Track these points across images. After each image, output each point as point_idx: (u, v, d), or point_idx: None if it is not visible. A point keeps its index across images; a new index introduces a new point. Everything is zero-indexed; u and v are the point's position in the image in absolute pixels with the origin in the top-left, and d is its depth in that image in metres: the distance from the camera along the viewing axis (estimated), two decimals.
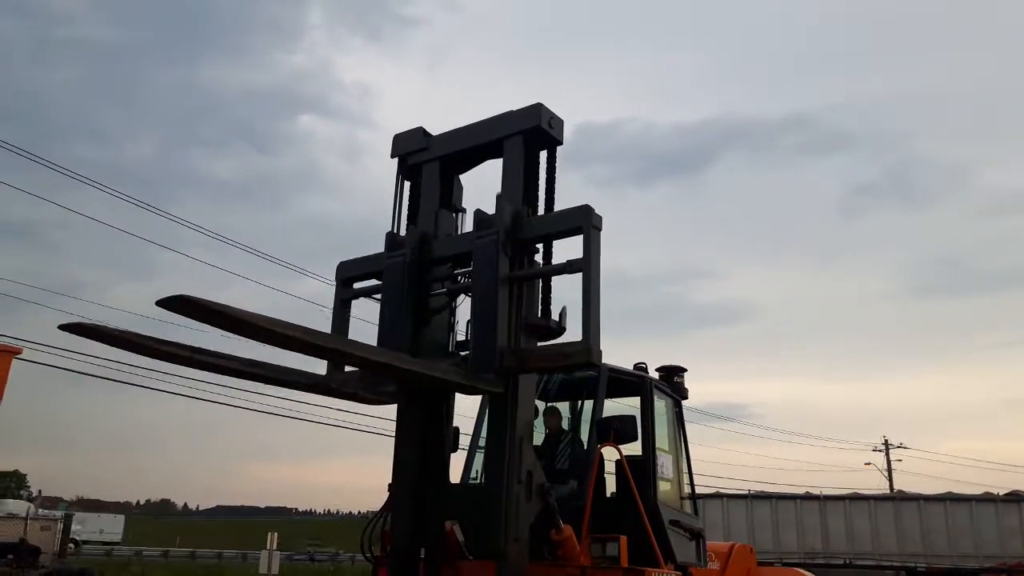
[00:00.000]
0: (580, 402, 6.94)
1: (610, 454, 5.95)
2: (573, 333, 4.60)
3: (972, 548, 20.82)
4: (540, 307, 4.88)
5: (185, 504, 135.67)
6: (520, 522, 4.46)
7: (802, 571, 9.12)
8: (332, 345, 3.97)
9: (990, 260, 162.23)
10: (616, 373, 6.52)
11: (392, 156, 5.59)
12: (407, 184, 5.56)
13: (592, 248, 4.54)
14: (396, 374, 4.48)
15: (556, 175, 5.10)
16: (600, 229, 4.63)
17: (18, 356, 10.36)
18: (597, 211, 4.64)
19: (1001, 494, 22.49)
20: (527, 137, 5.03)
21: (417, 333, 5.03)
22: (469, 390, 4.66)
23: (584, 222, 4.59)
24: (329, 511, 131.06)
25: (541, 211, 5.05)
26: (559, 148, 5.14)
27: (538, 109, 5.01)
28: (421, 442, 4.96)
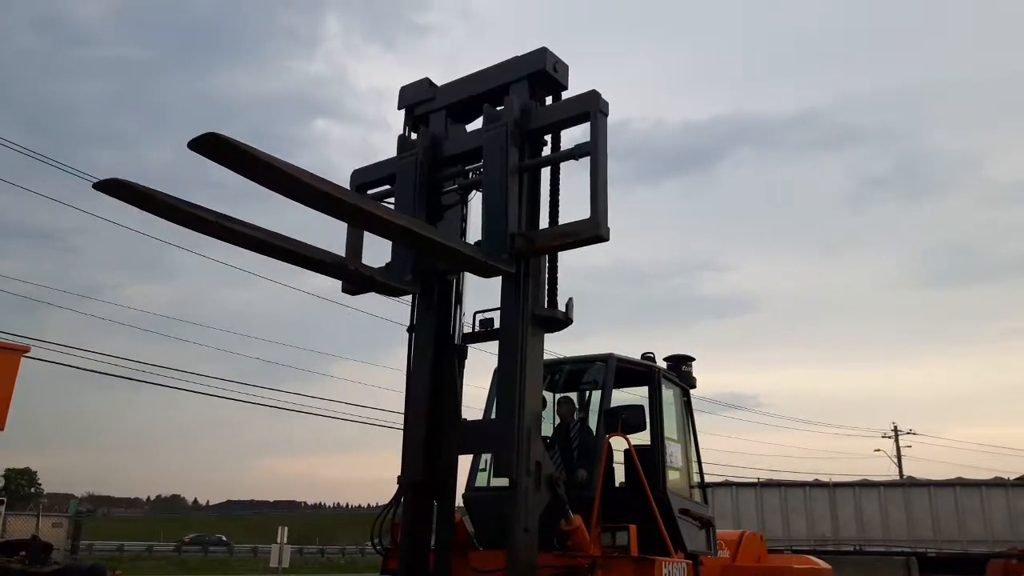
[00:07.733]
0: (589, 392, 6.93)
1: (619, 444, 5.95)
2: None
3: (982, 533, 20.74)
4: (550, 207, 4.91)
5: (195, 499, 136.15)
6: (530, 513, 4.46)
7: (812, 557, 9.10)
8: (356, 203, 3.93)
9: (998, 249, 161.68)
10: (624, 363, 6.51)
11: (399, 108, 5.62)
12: (415, 135, 5.54)
13: (599, 132, 4.59)
14: (415, 241, 4.44)
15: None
16: (607, 114, 4.66)
17: (27, 355, 10.38)
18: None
19: (1011, 479, 22.45)
20: (532, 82, 5.02)
21: None
22: (484, 268, 4.68)
23: (591, 107, 4.64)
24: (338, 504, 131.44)
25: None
26: (563, 94, 5.11)
27: (543, 53, 4.98)
28: (433, 363, 5.03)
